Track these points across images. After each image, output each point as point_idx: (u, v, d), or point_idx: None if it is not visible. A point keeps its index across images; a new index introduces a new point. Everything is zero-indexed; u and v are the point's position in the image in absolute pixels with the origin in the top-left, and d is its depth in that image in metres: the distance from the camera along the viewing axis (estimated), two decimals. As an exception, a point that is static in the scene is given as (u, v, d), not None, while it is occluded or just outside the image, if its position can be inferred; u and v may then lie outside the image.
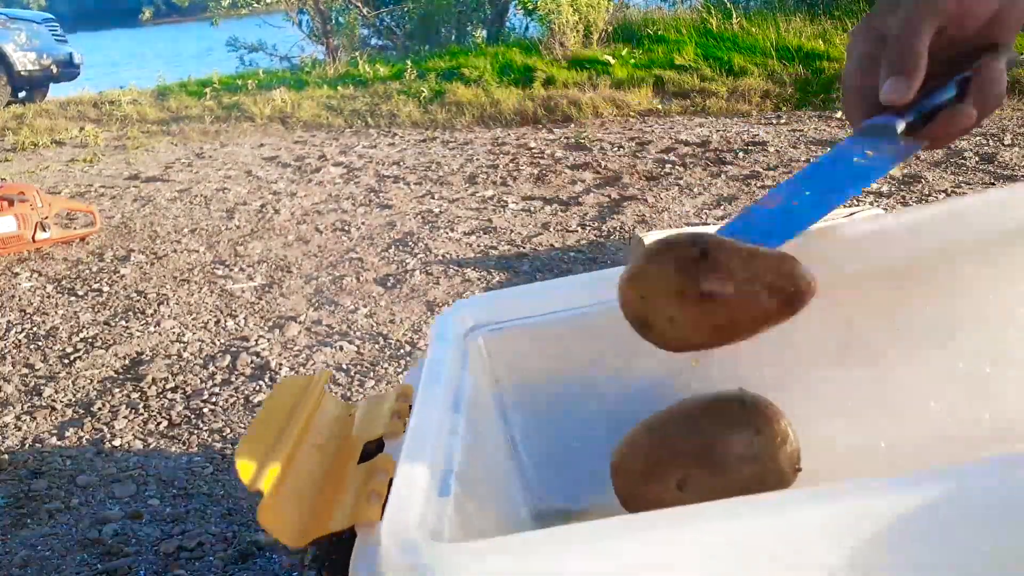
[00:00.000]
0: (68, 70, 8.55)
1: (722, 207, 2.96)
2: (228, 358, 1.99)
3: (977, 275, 0.56)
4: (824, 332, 0.58)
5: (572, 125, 4.79)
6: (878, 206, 2.65)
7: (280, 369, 1.90)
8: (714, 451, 0.53)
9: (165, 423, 1.70)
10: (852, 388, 0.58)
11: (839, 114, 4.32)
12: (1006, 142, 3.51)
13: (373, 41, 8.83)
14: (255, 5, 8.70)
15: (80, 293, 2.54)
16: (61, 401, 1.83)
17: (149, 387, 1.86)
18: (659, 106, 4.97)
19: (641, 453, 0.55)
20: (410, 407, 0.52)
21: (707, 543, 0.32)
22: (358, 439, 0.51)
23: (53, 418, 1.76)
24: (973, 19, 0.57)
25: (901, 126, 0.56)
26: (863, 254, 0.57)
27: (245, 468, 0.43)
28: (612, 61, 5.74)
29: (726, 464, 0.52)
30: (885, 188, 3.02)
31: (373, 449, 0.50)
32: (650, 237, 2.28)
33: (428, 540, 0.36)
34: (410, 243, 2.81)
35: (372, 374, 1.86)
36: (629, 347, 0.54)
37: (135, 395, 1.83)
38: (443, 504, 0.41)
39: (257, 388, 1.82)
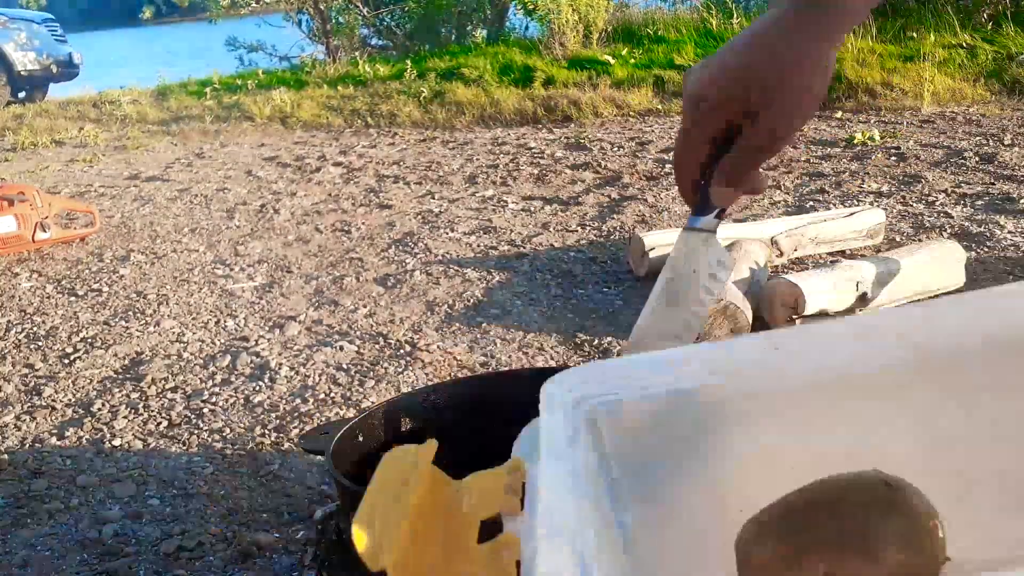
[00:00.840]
0: (68, 70, 8.55)
1: (722, 207, 2.96)
2: (228, 358, 1.99)
3: None
4: (954, 410, 0.54)
5: (572, 125, 4.79)
6: (878, 205, 2.65)
7: (280, 369, 1.90)
8: (867, 537, 0.47)
9: (165, 423, 1.70)
10: (981, 469, 0.54)
11: (839, 114, 4.32)
12: (1006, 142, 3.51)
13: (373, 41, 8.82)
14: (254, 5, 8.70)
15: (80, 293, 2.54)
16: (61, 401, 1.83)
17: (149, 387, 1.86)
18: (659, 106, 4.97)
19: (776, 541, 0.49)
20: (523, 484, 0.49)
21: None
22: (473, 516, 0.49)
23: (53, 418, 1.76)
24: (815, 110, 0.62)
25: (716, 226, 0.68)
26: (984, 327, 0.53)
27: (366, 547, 0.41)
28: (612, 61, 5.74)
29: (879, 551, 0.47)
30: (885, 188, 3.02)
31: (489, 525, 0.48)
32: (650, 237, 2.28)
33: None
34: (410, 243, 2.81)
35: (372, 374, 1.86)
36: (748, 424, 0.50)
37: (135, 395, 1.83)
38: None
39: (257, 388, 1.82)
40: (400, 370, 1.87)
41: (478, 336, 2.02)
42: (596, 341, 1.94)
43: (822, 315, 1.87)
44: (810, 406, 0.53)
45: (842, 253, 2.38)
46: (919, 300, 2.00)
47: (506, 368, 1.84)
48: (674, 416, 0.53)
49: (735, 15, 6.17)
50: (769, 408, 0.53)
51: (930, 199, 2.85)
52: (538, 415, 0.54)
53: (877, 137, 3.71)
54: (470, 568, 0.45)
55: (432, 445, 0.52)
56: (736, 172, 0.62)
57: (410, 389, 1.68)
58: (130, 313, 2.34)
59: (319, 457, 1.41)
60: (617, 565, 0.46)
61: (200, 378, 1.89)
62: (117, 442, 1.64)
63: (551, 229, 2.86)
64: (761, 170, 0.65)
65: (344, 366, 1.91)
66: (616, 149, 4.00)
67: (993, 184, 2.96)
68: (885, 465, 0.51)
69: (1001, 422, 0.53)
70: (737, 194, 0.64)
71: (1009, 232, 2.47)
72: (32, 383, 1.93)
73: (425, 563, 0.44)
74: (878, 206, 2.65)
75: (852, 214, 2.43)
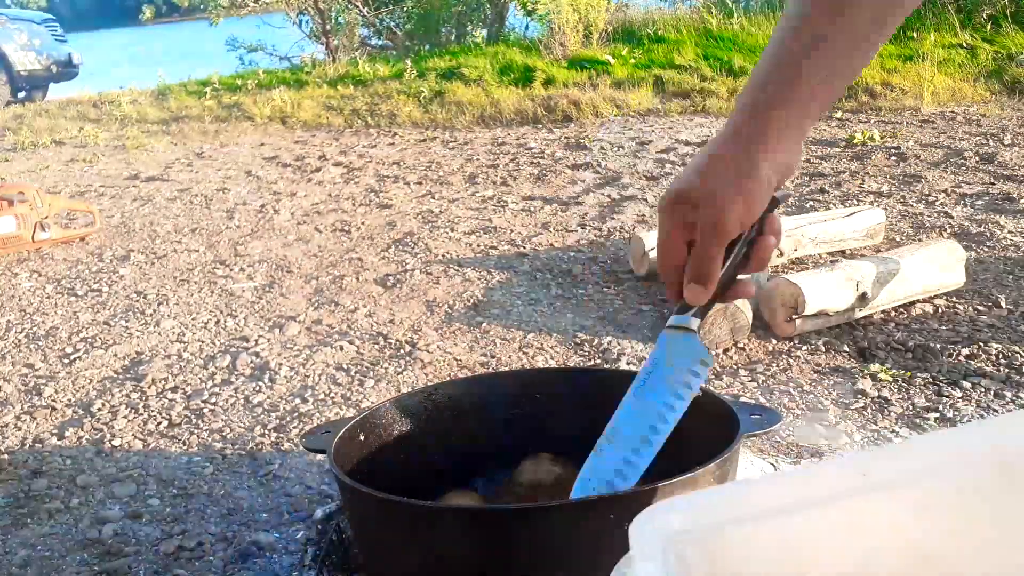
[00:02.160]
0: (68, 70, 8.56)
1: (722, 207, 2.96)
2: (228, 358, 1.99)
3: None
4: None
5: (572, 125, 4.79)
6: (878, 205, 2.65)
7: (280, 369, 1.90)
8: None
9: (165, 423, 1.70)
10: None
11: (838, 114, 4.33)
12: (1006, 142, 3.51)
13: (373, 41, 8.83)
14: (254, 5, 8.70)
15: (80, 293, 2.54)
16: (61, 401, 1.83)
17: (149, 387, 1.86)
18: (659, 106, 4.97)
19: None
20: None
21: None
22: None
23: (53, 418, 1.76)
24: (757, 216, 0.69)
25: (696, 324, 0.73)
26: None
27: None
28: (612, 61, 5.74)
29: None
30: (885, 188, 3.02)
31: None
32: (650, 237, 2.28)
33: None
34: (410, 243, 2.81)
35: (372, 374, 1.86)
36: (846, 552, 0.50)
37: (135, 395, 1.83)
38: None
39: (257, 388, 1.82)
40: (400, 370, 1.87)
41: (478, 336, 2.02)
42: (596, 341, 1.94)
43: (822, 315, 1.87)
44: (898, 526, 0.53)
45: (842, 253, 2.38)
46: (916, 301, 2.00)
47: (506, 368, 1.84)
48: (762, 546, 0.52)
49: (735, 15, 6.17)
50: (858, 529, 0.53)
51: (930, 199, 2.85)
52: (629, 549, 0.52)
53: (877, 137, 3.71)
54: None
55: None
56: (694, 274, 0.70)
57: (410, 389, 1.68)
58: (130, 313, 2.34)
59: (320, 456, 1.41)
60: None
61: (200, 378, 1.90)
62: (117, 442, 1.64)
63: (551, 229, 2.86)
64: (745, 278, 0.74)
65: (344, 366, 1.91)
66: (616, 149, 4.00)
67: (993, 184, 2.96)
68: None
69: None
70: (706, 294, 0.71)
71: (1009, 232, 2.47)
72: (32, 383, 1.93)
73: None
74: (878, 206, 2.65)
75: (852, 214, 2.43)
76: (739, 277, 0.74)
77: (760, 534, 0.51)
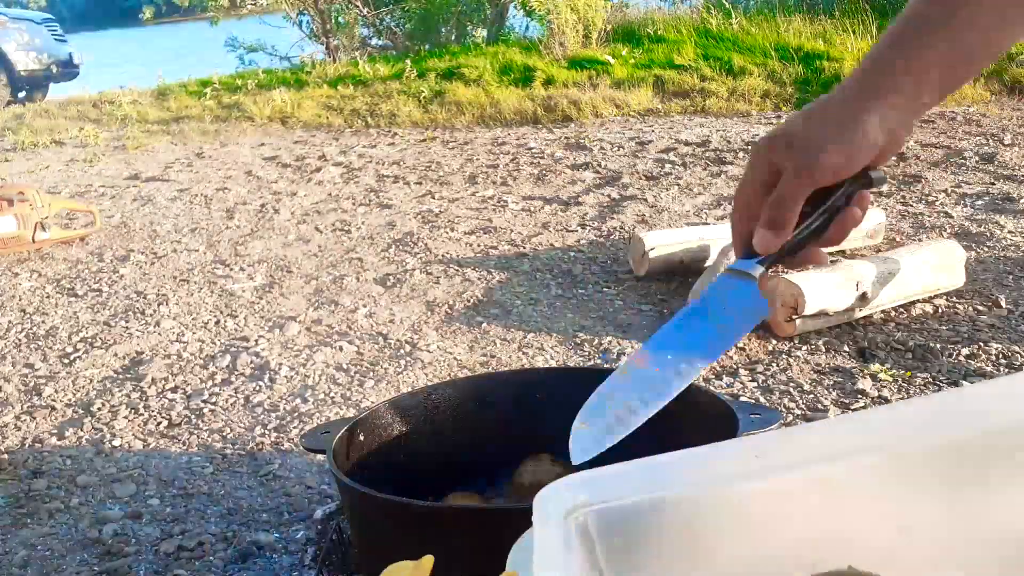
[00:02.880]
0: (68, 70, 8.56)
1: (722, 207, 2.96)
2: (228, 358, 1.99)
3: None
4: (927, 504, 0.57)
5: (572, 125, 4.79)
6: (878, 205, 2.65)
7: (280, 369, 1.90)
8: None
9: (165, 423, 1.70)
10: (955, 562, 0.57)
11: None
12: (1006, 142, 3.51)
13: (373, 41, 8.82)
14: (253, 5, 8.70)
15: (80, 293, 2.54)
16: (61, 401, 1.83)
17: (149, 387, 1.86)
18: (659, 106, 4.97)
19: None
20: None
21: None
22: None
23: (53, 418, 1.76)
24: (854, 170, 0.65)
25: (759, 271, 0.68)
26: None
27: None
28: (612, 61, 5.74)
29: None
30: (885, 188, 3.02)
31: None
32: (650, 237, 2.28)
33: None
34: (410, 243, 2.81)
35: (372, 374, 1.86)
36: (732, 532, 0.53)
37: (135, 395, 1.83)
38: None
39: (257, 388, 1.82)
40: (400, 370, 1.87)
41: (478, 336, 2.02)
42: (596, 341, 1.94)
43: (822, 315, 1.87)
44: (792, 507, 0.55)
45: (842, 253, 2.38)
46: (916, 301, 2.01)
47: (506, 368, 1.84)
48: (664, 523, 0.55)
49: (734, 15, 6.17)
50: (752, 511, 0.55)
51: (930, 199, 2.85)
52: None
53: (877, 137, 3.70)
54: None
55: (428, 560, 0.54)
56: (770, 216, 0.66)
57: (410, 389, 1.68)
58: (130, 313, 2.34)
59: (320, 456, 1.41)
60: None
61: (200, 378, 1.90)
62: (117, 442, 1.64)
63: (551, 229, 2.86)
64: (824, 253, 0.70)
65: (344, 366, 1.91)
66: (616, 149, 4.00)
67: (993, 184, 2.96)
68: (861, 558, 0.54)
69: (970, 516, 0.56)
70: (776, 242, 0.67)
71: (1009, 232, 2.47)
72: (32, 383, 1.93)
73: None
74: (878, 206, 2.65)
75: (852, 214, 2.42)
76: (817, 253, 0.70)
77: (660, 510, 0.54)
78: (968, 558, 0.57)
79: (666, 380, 0.66)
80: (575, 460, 0.64)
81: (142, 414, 1.74)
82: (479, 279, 2.41)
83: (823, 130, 0.64)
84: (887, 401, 1.59)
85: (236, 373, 1.91)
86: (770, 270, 0.69)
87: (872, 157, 0.65)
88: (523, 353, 1.91)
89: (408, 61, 6.60)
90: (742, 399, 1.62)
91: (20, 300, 2.52)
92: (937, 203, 2.80)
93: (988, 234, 2.46)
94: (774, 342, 1.87)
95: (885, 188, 3.02)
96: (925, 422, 0.56)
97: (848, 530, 0.54)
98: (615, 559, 0.55)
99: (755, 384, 1.70)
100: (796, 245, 0.68)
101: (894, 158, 3.41)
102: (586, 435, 0.66)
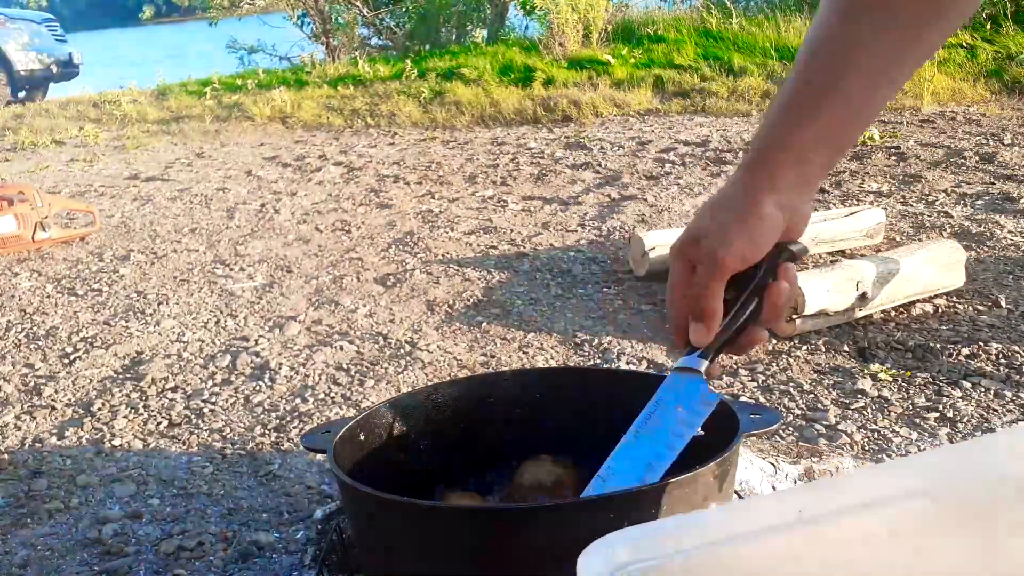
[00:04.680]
0: (68, 70, 8.56)
1: (722, 207, 2.96)
2: (228, 358, 1.99)
3: None
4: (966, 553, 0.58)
5: (572, 125, 4.79)
6: (878, 205, 2.65)
7: (280, 369, 1.90)
8: None
9: (165, 423, 1.70)
10: None
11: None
12: (1006, 142, 3.51)
13: (373, 41, 8.83)
14: (251, 5, 8.69)
15: (80, 293, 2.54)
16: (61, 401, 1.83)
17: (149, 387, 1.86)
18: (659, 106, 4.97)
19: None
20: None
21: None
22: None
23: (53, 418, 1.76)
24: (761, 253, 0.69)
25: (703, 366, 0.72)
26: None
27: None
28: (612, 61, 5.74)
29: None
30: (885, 188, 3.02)
31: None
32: (650, 237, 2.28)
33: None
34: (410, 242, 2.81)
35: (372, 374, 1.86)
36: None
37: (135, 395, 1.83)
38: None
39: (257, 388, 1.82)
40: (400, 370, 1.87)
41: (478, 336, 2.02)
42: (596, 341, 1.94)
43: (822, 315, 1.87)
44: (835, 558, 0.56)
45: (842, 253, 2.38)
46: (916, 301, 2.00)
47: (506, 368, 1.84)
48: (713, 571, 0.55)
49: (734, 15, 6.17)
50: (797, 565, 0.56)
51: (930, 199, 2.85)
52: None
53: (877, 137, 3.71)
54: None
55: None
56: (694, 309, 0.71)
57: (410, 389, 1.68)
58: (130, 313, 2.34)
59: (320, 456, 1.41)
60: None
61: (200, 378, 1.89)
62: (117, 442, 1.64)
63: (551, 229, 2.86)
64: (763, 332, 0.73)
65: (344, 366, 1.91)
66: (616, 149, 4.00)
67: (993, 184, 2.96)
68: None
69: (1009, 564, 0.56)
70: (707, 334, 0.71)
71: (1009, 232, 2.47)
72: (32, 383, 1.93)
73: None
74: (878, 206, 2.65)
75: (852, 214, 2.43)
76: (755, 334, 0.73)
77: (706, 567, 0.54)
78: None
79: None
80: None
81: (142, 414, 1.74)
82: (479, 279, 2.41)
83: (726, 223, 0.69)
84: (887, 401, 1.59)
85: (236, 373, 1.91)
86: (715, 360, 0.73)
87: (779, 236, 0.69)
88: (523, 353, 1.91)
89: (408, 61, 6.60)
90: (742, 399, 1.62)
91: (20, 300, 2.52)
92: (937, 203, 2.80)
93: (988, 234, 2.46)
94: (774, 342, 1.87)
95: (884, 188, 3.02)
96: (965, 467, 0.56)
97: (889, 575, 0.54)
98: None
99: (755, 384, 1.70)
100: (734, 332, 0.72)
101: (893, 158, 3.41)
102: None
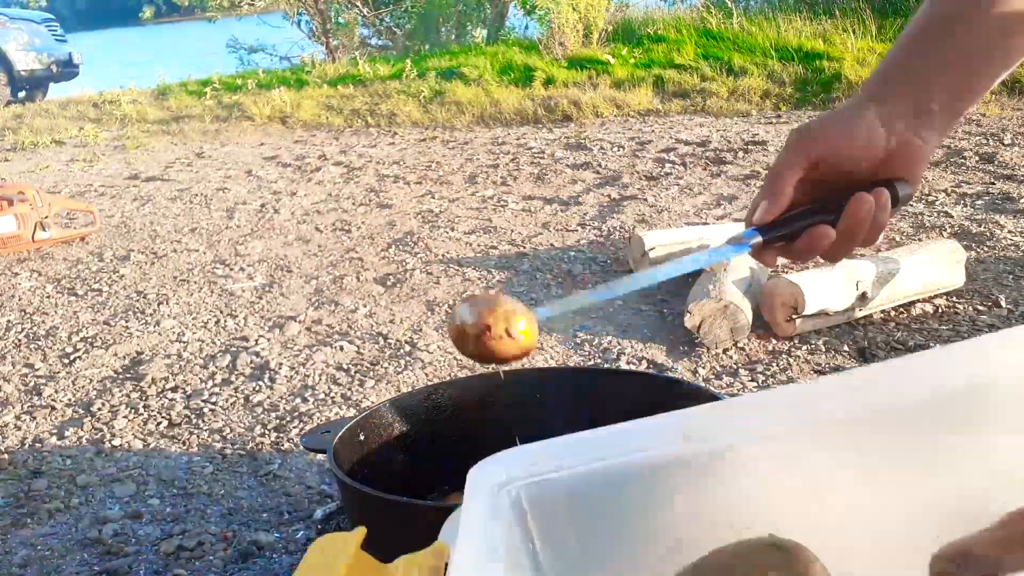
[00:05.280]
0: (68, 69, 8.55)
1: (722, 206, 2.96)
2: (228, 358, 1.99)
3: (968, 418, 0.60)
4: (845, 474, 0.61)
5: (572, 125, 4.79)
6: (878, 206, 2.65)
7: (280, 369, 1.90)
8: None
9: (165, 423, 1.70)
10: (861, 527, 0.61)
11: (839, 114, 4.32)
12: (1006, 142, 3.51)
13: (373, 41, 8.83)
14: (251, 6, 8.69)
15: (80, 293, 2.54)
16: (61, 401, 1.83)
17: (149, 387, 1.86)
18: (659, 106, 4.97)
19: None
20: (446, 565, 0.52)
21: None
22: None
23: (53, 418, 1.76)
24: (850, 162, 0.68)
25: (756, 240, 0.69)
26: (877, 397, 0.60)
27: None
28: (612, 61, 5.74)
29: None
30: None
31: None
32: (650, 237, 2.28)
33: None
34: (410, 242, 2.81)
35: (372, 374, 1.86)
36: (660, 502, 0.56)
37: (135, 395, 1.83)
38: None
39: (257, 388, 1.82)
40: (400, 370, 1.87)
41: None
42: (596, 341, 1.94)
43: (822, 315, 1.87)
44: (717, 479, 0.59)
45: (842, 253, 2.38)
46: (916, 301, 2.00)
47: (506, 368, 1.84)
48: (594, 493, 0.58)
49: (734, 15, 6.17)
50: (679, 483, 0.59)
51: (930, 199, 2.85)
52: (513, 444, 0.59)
53: (877, 137, 3.71)
54: None
55: (361, 532, 0.56)
56: (765, 189, 0.70)
57: (410, 389, 1.68)
58: (130, 313, 2.34)
59: (320, 456, 1.41)
60: None
61: (200, 378, 1.89)
62: (117, 442, 1.64)
63: (551, 229, 2.86)
64: (827, 240, 0.69)
65: (344, 366, 1.91)
66: (616, 149, 4.00)
67: (993, 184, 2.96)
68: (780, 528, 0.57)
69: (886, 487, 0.60)
70: (768, 211, 0.69)
71: (1009, 232, 2.47)
72: (32, 383, 1.93)
73: None
74: (878, 206, 2.64)
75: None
76: (821, 231, 0.69)
77: (591, 483, 0.57)
78: (883, 527, 0.59)
79: (636, 279, 0.76)
80: (540, 315, 0.73)
81: (142, 414, 1.74)
82: (479, 279, 2.41)
83: (828, 118, 0.69)
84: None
85: (236, 373, 1.91)
86: (770, 245, 0.70)
87: (875, 156, 0.67)
88: (523, 353, 1.91)
89: (408, 61, 6.60)
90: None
91: (20, 300, 2.52)
92: (937, 203, 2.80)
93: (988, 234, 2.46)
94: (774, 342, 1.87)
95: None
96: (844, 395, 0.59)
97: (770, 500, 0.57)
98: (547, 530, 0.58)
99: (755, 384, 1.70)
100: (801, 226, 0.69)
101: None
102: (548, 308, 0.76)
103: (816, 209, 0.69)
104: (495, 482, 0.57)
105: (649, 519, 0.59)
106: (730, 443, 0.58)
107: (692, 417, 0.60)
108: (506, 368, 0.75)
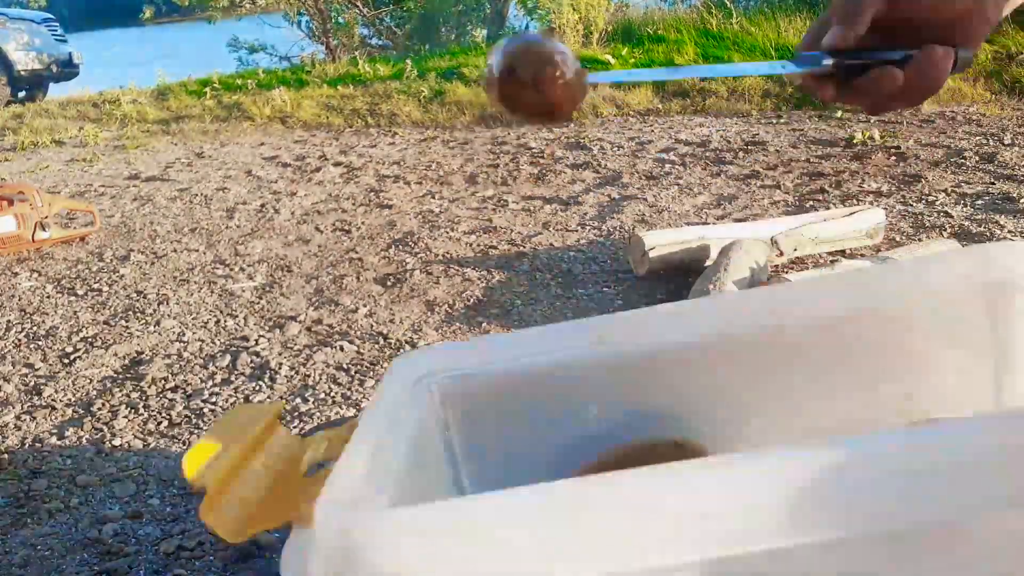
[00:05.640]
0: (68, 69, 8.55)
1: (722, 206, 2.96)
2: (228, 358, 1.99)
3: (896, 331, 0.63)
4: (755, 383, 0.63)
5: (572, 125, 4.79)
6: (879, 205, 2.65)
7: (280, 369, 1.90)
8: None
9: (165, 423, 1.70)
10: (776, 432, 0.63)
11: (839, 113, 4.32)
12: (1006, 142, 3.51)
13: (373, 41, 8.83)
14: (251, 5, 8.69)
15: (80, 293, 2.54)
16: (61, 401, 1.83)
17: (149, 387, 1.86)
18: (659, 106, 4.97)
19: None
20: None
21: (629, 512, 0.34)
22: (305, 461, 0.54)
23: (53, 418, 1.76)
24: (928, 10, 0.64)
25: (827, 61, 0.63)
26: (803, 310, 0.63)
27: (192, 466, 0.45)
28: (612, 61, 5.74)
29: None
30: (885, 188, 3.02)
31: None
32: (650, 237, 2.28)
33: (361, 509, 0.37)
34: (410, 243, 2.81)
35: (372, 374, 1.86)
36: (573, 401, 0.59)
37: (135, 395, 1.83)
38: (379, 494, 0.44)
39: (257, 388, 1.82)
40: (400, 370, 1.87)
41: (478, 336, 2.02)
42: (596, 341, 1.94)
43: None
44: (629, 381, 0.62)
45: (842, 253, 2.38)
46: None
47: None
48: (509, 392, 0.60)
49: (735, 15, 6.17)
50: (592, 384, 0.61)
51: (930, 199, 2.85)
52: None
53: (877, 137, 3.71)
54: (285, 494, 0.49)
55: (278, 404, 0.58)
56: (841, 12, 0.64)
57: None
58: (130, 313, 2.34)
59: (319, 457, 1.41)
60: (403, 487, 0.50)
61: (200, 378, 1.89)
62: (117, 442, 1.64)
63: (551, 229, 2.86)
64: (894, 83, 0.64)
65: (344, 366, 1.91)
66: (616, 148, 4.00)
67: (993, 184, 2.96)
68: (688, 430, 0.60)
69: (789, 395, 0.63)
70: (843, 36, 0.63)
71: (1009, 232, 2.47)
72: (32, 383, 1.93)
73: (248, 486, 0.49)
74: (878, 206, 2.65)
75: (852, 214, 2.43)
76: (891, 72, 0.64)
77: (509, 379, 0.60)
78: (786, 432, 0.63)
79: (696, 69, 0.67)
80: (590, 79, 0.62)
81: (142, 414, 1.74)
82: (479, 279, 2.41)
83: None
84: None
85: (236, 373, 1.91)
86: (838, 77, 0.64)
87: (949, 13, 0.64)
88: (523, 353, 1.91)
89: (408, 61, 6.60)
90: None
91: (20, 300, 2.52)
92: (937, 203, 2.80)
93: (988, 234, 2.46)
94: (774, 342, 1.86)
95: (885, 188, 3.02)
96: (750, 312, 0.62)
97: (681, 405, 0.61)
98: (464, 422, 0.60)
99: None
100: (865, 61, 0.64)
101: (893, 158, 3.41)
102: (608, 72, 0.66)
103: (882, 53, 0.64)
104: (416, 374, 0.59)
105: (563, 417, 0.61)
106: (642, 348, 0.60)
107: (607, 322, 0.62)
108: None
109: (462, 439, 0.61)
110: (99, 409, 1.77)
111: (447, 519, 0.36)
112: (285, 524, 0.47)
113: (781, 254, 2.29)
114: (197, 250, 2.92)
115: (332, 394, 1.77)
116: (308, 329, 2.14)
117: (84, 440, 1.65)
